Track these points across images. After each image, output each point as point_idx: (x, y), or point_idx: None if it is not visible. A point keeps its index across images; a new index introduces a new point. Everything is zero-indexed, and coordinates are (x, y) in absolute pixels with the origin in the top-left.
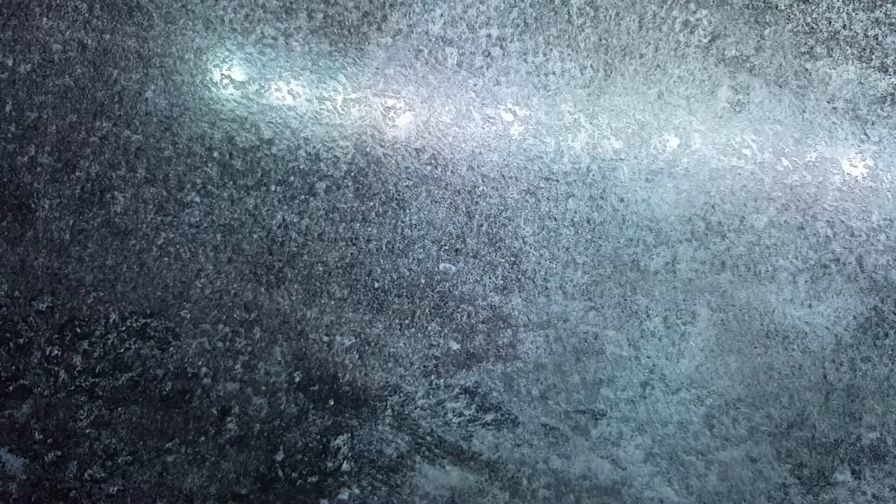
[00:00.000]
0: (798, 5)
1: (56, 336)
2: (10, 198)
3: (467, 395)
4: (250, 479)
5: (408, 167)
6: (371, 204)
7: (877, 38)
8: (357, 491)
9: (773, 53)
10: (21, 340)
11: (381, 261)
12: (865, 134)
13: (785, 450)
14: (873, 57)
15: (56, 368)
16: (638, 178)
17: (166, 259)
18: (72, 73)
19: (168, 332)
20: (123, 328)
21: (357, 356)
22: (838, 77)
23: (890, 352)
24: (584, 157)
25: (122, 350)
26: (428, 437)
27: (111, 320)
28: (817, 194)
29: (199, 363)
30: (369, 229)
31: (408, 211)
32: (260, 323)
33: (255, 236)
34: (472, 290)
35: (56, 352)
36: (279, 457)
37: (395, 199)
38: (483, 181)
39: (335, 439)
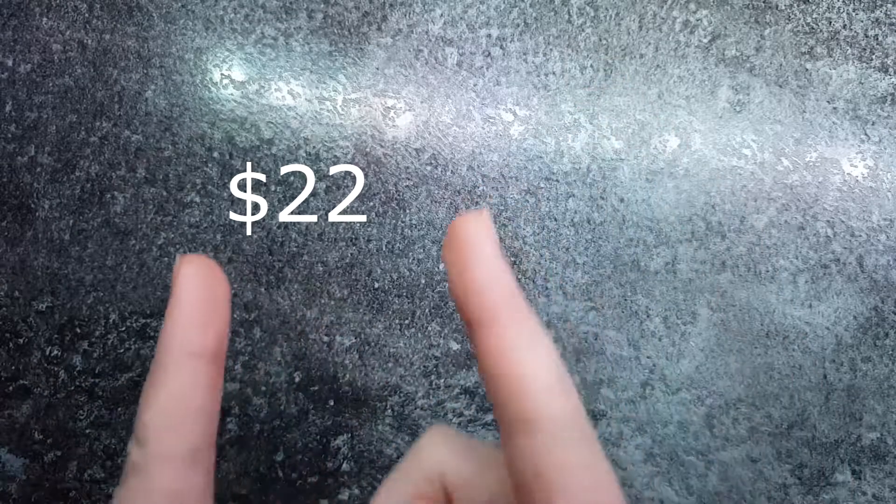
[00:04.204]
0: (798, 5)
1: (56, 336)
2: (10, 198)
3: (467, 396)
4: (250, 479)
5: (408, 167)
6: (371, 204)
7: (877, 38)
8: (357, 491)
9: (773, 53)
10: (21, 340)
11: (381, 261)
12: (866, 134)
13: (785, 450)
14: (873, 57)
15: (56, 368)
16: (638, 178)
17: (166, 259)
18: (72, 73)
19: None
20: (123, 328)
21: (357, 356)
22: (838, 77)
23: (890, 352)
24: (584, 157)
25: (122, 350)
26: None
27: (111, 320)
28: (817, 194)
29: None
30: (369, 229)
31: (408, 211)
32: (260, 323)
33: (255, 236)
34: None
35: (56, 352)
36: (279, 457)
37: (395, 199)
38: (483, 181)
39: (335, 439)
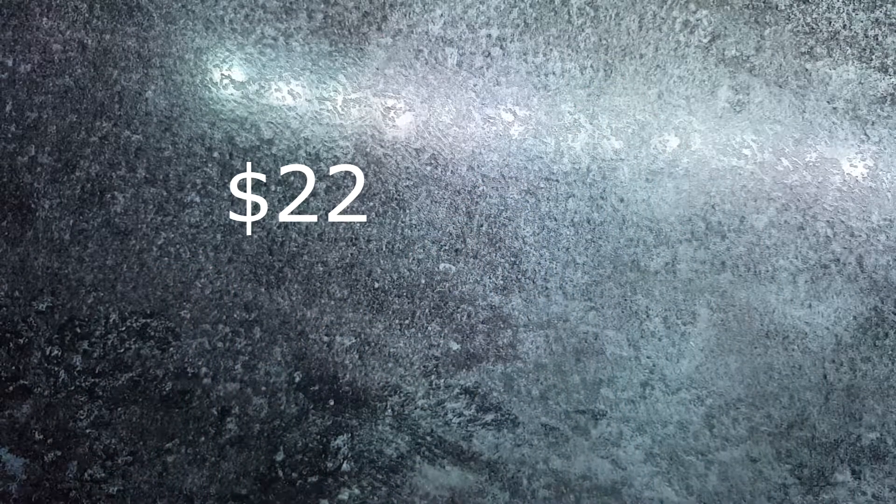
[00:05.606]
0: (798, 5)
1: (56, 336)
2: (10, 198)
3: (467, 395)
4: (250, 479)
5: (408, 167)
6: (371, 204)
7: (877, 38)
8: (357, 491)
9: (773, 53)
10: (21, 340)
11: (381, 261)
12: (865, 134)
13: (785, 450)
14: (873, 57)
15: (56, 368)
16: (638, 178)
17: (166, 259)
18: (72, 73)
19: (168, 332)
20: (123, 328)
21: (357, 356)
22: (838, 77)
23: (890, 352)
24: (584, 157)
25: (122, 350)
26: (428, 437)
27: (111, 320)
28: (817, 194)
29: (199, 363)
30: (369, 229)
31: (408, 211)
32: (260, 323)
33: (255, 236)
34: (472, 290)
35: (56, 352)
36: (279, 457)
37: (395, 199)
38: (483, 181)
39: (335, 439)
